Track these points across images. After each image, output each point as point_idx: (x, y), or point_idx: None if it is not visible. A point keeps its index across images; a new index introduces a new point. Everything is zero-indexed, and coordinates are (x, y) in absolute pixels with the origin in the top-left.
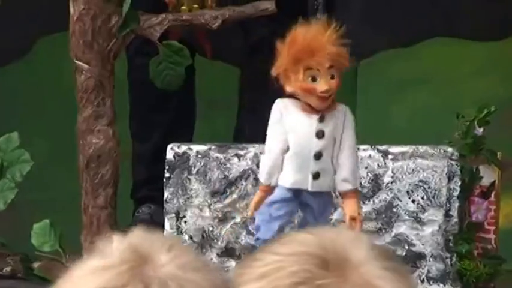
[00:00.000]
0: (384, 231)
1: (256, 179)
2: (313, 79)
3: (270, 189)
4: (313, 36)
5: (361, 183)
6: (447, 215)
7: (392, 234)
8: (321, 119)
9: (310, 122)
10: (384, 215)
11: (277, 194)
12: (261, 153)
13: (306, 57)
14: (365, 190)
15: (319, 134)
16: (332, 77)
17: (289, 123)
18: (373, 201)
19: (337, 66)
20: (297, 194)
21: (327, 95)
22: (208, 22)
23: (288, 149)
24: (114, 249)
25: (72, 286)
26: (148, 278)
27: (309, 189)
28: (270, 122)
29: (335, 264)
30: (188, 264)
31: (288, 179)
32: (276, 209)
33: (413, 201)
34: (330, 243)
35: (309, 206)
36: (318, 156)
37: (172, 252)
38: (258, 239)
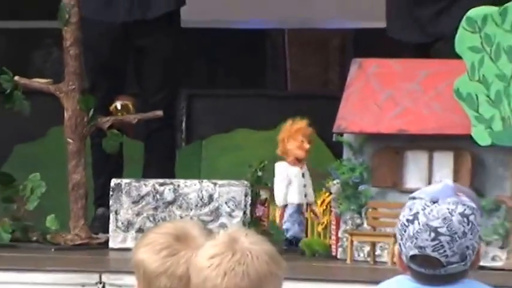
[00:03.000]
0: (211, 222)
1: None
2: None
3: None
4: None
5: None
6: (245, 213)
7: (217, 224)
8: None
9: None
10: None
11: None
12: None
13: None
14: None
15: None
16: None
17: None
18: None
19: None
20: None
21: None
22: (131, 120)
23: None
24: (219, 234)
25: (196, 257)
26: (235, 249)
27: None
28: None
29: (182, 238)
30: (255, 240)
31: None
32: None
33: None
34: (181, 226)
35: None
36: None
37: (248, 236)
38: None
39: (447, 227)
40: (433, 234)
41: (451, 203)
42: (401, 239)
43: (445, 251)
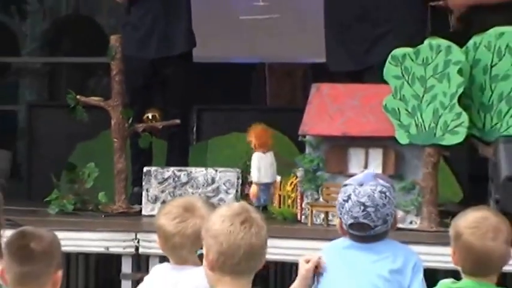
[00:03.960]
0: (213, 197)
1: None
2: None
3: None
4: None
5: None
6: (237, 191)
7: (217, 198)
8: None
9: None
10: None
11: None
12: None
13: None
14: None
15: None
16: None
17: None
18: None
19: None
20: None
21: None
22: (157, 126)
23: None
24: (230, 204)
25: (213, 216)
26: (244, 215)
27: None
28: None
29: (190, 209)
30: (256, 211)
31: None
32: None
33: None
34: (189, 200)
35: None
36: None
37: (252, 209)
38: None
39: (371, 201)
40: (362, 208)
41: (372, 185)
42: (341, 214)
43: (372, 218)
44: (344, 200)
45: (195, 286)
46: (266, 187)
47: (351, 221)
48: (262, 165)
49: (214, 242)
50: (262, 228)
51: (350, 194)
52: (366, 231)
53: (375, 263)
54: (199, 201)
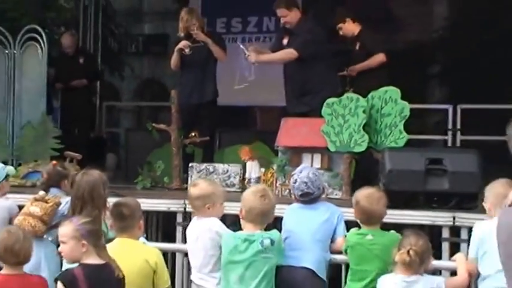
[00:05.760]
0: (226, 180)
1: None
2: None
3: None
4: None
5: None
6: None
7: (228, 181)
8: None
9: None
10: None
11: None
12: None
13: None
14: None
15: None
16: None
17: None
18: None
19: None
20: None
21: None
22: (196, 140)
23: None
24: (256, 185)
25: (246, 190)
26: (263, 190)
27: None
28: None
29: (213, 187)
30: (268, 189)
31: None
32: None
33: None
34: (213, 182)
35: None
36: None
37: (266, 188)
38: None
39: (308, 179)
40: (304, 184)
41: (308, 171)
42: (293, 189)
43: (311, 188)
44: (295, 181)
45: (208, 228)
46: (256, 180)
47: (299, 192)
48: (252, 169)
49: (243, 204)
50: (271, 199)
51: (297, 177)
52: (308, 197)
53: (316, 215)
54: (217, 184)
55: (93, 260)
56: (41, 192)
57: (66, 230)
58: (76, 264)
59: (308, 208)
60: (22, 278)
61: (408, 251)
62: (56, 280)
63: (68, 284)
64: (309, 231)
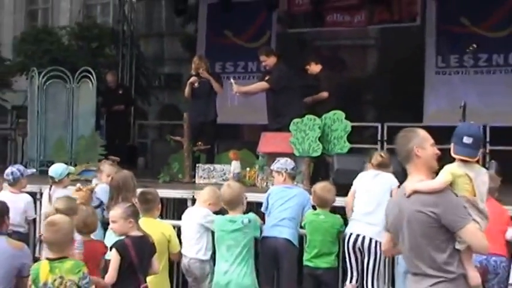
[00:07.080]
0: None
1: None
2: None
3: None
4: None
5: None
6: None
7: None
8: None
9: None
10: None
11: None
12: None
13: None
14: None
15: None
16: None
17: None
18: None
19: None
20: None
21: None
22: (201, 148)
23: None
24: (228, 182)
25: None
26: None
27: None
28: None
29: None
30: (235, 183)
31: None
32: None
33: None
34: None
35: None
36: None
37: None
38: None
39: (289, 167)
40: (278, 161)
41: (288, 162)
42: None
43: (293, 174)
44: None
45: (199, 214)
46: (237, 174)
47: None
48: (236, 166)
49: (221, 194)
50: (234, 189)
51: (273, 169)
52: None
53: (292, 196)
54: (213, 188)
55: (136, 233)
56: (77, 185)
57: (116, 212)
58: (123, 237)
59: (286, 191)
60: (93, 243)
61: (380, 154)
62: (111, 247)
63: (122, 250)
64: (287, 212)
